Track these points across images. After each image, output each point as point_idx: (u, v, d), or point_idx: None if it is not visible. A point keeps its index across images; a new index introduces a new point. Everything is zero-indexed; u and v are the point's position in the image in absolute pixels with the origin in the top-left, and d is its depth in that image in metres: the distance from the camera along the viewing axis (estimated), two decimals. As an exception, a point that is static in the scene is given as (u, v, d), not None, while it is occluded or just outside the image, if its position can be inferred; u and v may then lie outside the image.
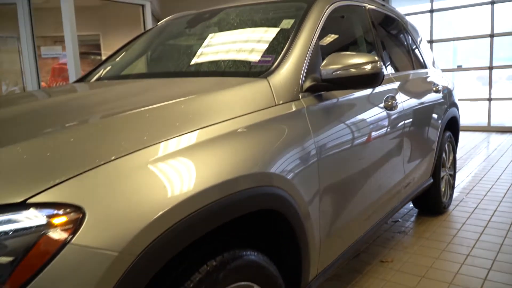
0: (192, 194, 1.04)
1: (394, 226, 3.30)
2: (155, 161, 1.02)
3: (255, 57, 1.80)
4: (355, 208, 1.94)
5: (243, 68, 1.77)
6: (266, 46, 1.85)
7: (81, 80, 2.39)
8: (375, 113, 2.12)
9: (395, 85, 2.49)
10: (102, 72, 2.32)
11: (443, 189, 3.47)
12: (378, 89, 2.22)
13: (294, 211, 1.42)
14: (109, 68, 2.33)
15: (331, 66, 1.68)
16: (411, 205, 3.66)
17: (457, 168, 5.01)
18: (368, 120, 2.03)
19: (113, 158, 0.95)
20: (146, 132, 1.08)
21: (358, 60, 1.68)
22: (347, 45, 2.33)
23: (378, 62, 1.71)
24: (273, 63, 1.67)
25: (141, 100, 1.32)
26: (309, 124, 1.59)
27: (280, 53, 1.71)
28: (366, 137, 1.99)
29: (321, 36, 1.92)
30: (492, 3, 8.32)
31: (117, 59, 2.41)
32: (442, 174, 3.40)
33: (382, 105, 2.21)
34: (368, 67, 1.69)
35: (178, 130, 1.14)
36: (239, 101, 1.39)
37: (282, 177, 1.38)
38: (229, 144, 1.23)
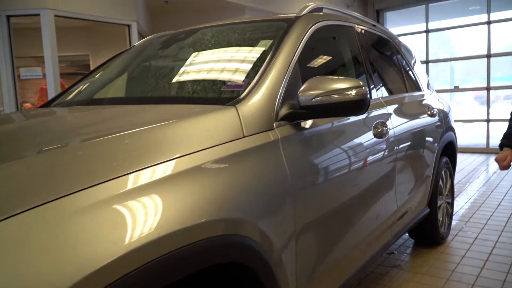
0: (131, 250, 0.85)
1: (389, 259, 3.08)
2: (83, 211, 0.83)
3: (226, 81, 1.62)
4: (340, 248, 1.73)
5: (213, 94, 1.59)
6: (239, 69, 1.67)
7: (50, 103, 2.21)
8: (362, 141, 1.93)
9: (386, 110, 2.31)
10: (70, 95, 2.14)
11: (441, 219, 3.26)
12: (366, 115, 2.04)
13: (263, 261, 1.22)
14: (78, 91, 2.15)
15: (310, 92, 1.51)
16: (407, 235, 3.45)
17: (456, 194, 4.81)
18: (353, 150, 1.84)
19: (19, 211, 0.76)
20: (74, 175, 0.89)
21: (340, 85, 1.51)
22: (332, 68, 2.16)
23: (363, 87, 1.53)
24: (245, 89, 1.50)
25: (82, 134, 1.14)
26: (284, 157, 1.40)
27: (254, 78, 1.54)
28: (352, 169, 1.80)
29: (302, 59, 1.75)
30: (488, 23, 8.25)
31: (89, 81, 2.24)
32: (439, 202, 3.19)
33: (370, 132, 2.02)
34: (352, 93, 1.51)
35: (118, 171, 0.95)
36: (199, 133, 1.20)
37: (248, 223, 1.18)
38: (182, 186, 1.04)
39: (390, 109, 2.37)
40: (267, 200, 1.28)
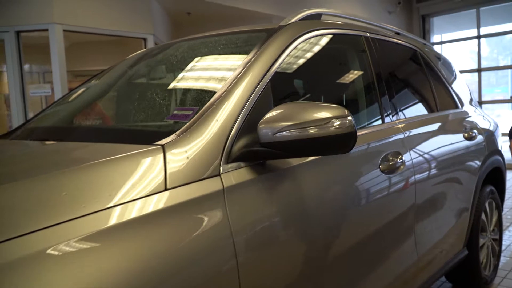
0: None
1: (418, 308, 2.59)
2: None
3: (173, 110, 1.29)
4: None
5: (152, 126, 1.26)
6: (193, 94, 1.35)
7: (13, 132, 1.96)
8: (361, 182, 1.52)
9: (402, 135, 1.88)
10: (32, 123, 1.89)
11: (484, 260, 2.73)
12: (367, 146, 1.63)
13: None
14: (37, 119, 1.89)
15: (273, 124, 1.14)
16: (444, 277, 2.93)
17: (508, 223, 4.18)
18: (346, 195, 1.44)
19: None
20: None
21: (315, 115, 1.14)
22: (327, 89, 1.77)
23: (348, 118, 1.15)
24: (190, 119, 1.16)
25: None
26: (229, 215, 1.04)
27: (205, 104, 1.20)
28: (343, 223, 1.40)
29: (281, 79, 1.40)
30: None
31: (51, 109, 1.97)
32: (481, 241, 2.67)
33: (376, 168, 1.61)
34: (332, 125, 1.14)
35: None
36: (91, 191, 0.88)
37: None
38: (64, 265, 0.74)
39: (410, 134, 1.94)
40: (195, 285, 0.92)
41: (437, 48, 8.81)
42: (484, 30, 8.18)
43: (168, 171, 0.99)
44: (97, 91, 1.74)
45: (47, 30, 4.08)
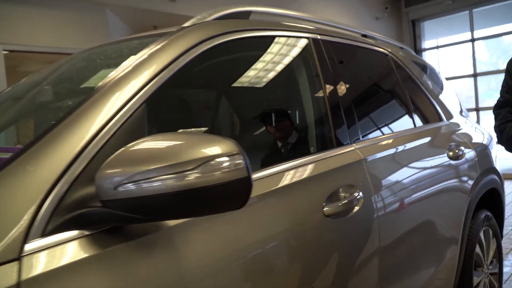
0: None
1: None
2: None
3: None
4: None
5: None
6: (31, 125, 0.95)
7: None
8: (292, 240, 1.10)
9: (362, 163, 1.46)
10: None
11: (481, 301, 2.29)
12: (310, 180, 1.23)
13: None
14: None
15: (118, 171, 0.74)
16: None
17: (508, 245, 3.74)
18: (267, 266, 1.02)
19: None
20: None
21: (185, 154, 0.74)
22: (246, 112, 1.36)
23: (237, 157, 0.75)
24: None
25: None
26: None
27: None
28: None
29: (174, 101, 1.00)
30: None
31: None
32: (476, 279, 2.23)
33: (318, 213, 1.19)
34: (213, 168, 0.74)
35: None
36: None
37: None
38: None
39: (372, 159, 1.53)
40: None
41: (432, 53, 8.43)
42: (479, 33, 7.80)
43: None
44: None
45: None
